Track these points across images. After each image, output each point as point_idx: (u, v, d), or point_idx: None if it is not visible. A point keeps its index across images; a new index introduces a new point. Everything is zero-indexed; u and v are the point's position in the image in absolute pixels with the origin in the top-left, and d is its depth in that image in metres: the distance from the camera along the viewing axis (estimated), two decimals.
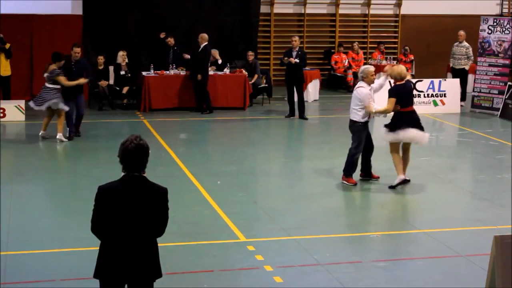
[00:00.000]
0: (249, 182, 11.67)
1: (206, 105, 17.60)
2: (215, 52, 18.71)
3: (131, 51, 18.73)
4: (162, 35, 18.61)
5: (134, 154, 5.14)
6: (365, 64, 21.89)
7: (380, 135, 11.38)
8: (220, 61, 18.62)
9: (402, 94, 10.92)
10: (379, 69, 21.04)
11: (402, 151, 11.12)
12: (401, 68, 11.12)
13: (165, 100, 17.75)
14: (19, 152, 13.39)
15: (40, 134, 14.18)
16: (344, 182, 11.22)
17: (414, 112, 11.04)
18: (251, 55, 19.18)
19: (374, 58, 21.60)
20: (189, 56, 18.02)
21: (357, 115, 10.99)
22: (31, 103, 14.33)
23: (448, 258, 8.19)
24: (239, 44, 20.35)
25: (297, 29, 21.80)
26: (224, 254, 8.26)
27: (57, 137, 13.86)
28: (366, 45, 22.61)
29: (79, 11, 19.34)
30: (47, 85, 13.91)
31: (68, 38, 18.01)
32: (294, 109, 17.19)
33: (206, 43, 17.49)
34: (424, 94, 17.91)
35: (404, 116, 10.88)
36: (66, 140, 13.91)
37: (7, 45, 17.24)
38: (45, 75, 14.01)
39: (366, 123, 11.07)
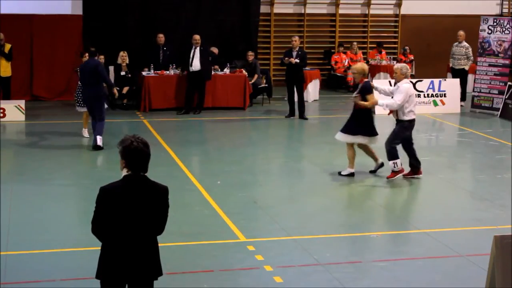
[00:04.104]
0: (249, 182, 11.67)
1: (199, 104, 17.59)
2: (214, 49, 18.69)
3: (131, 52, 18.71)
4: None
5: (143, 154, 5.14)
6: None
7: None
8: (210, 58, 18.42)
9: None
10: (378, 69, 21.09)
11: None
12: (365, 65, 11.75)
13: (165, 100, 17.74)
14: (19, 152, 13.39)
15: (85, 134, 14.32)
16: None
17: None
18: (251, 55, 19.17)
19: (373, 58, 21.58)
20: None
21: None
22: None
23: (448, 258, 8.19)
24: (239, 44, 20.34)
25: (297, 29, 21.80)
26: (224, 254, 8.26)
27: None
28: (366, 45, 22.61)
29: (79, 11, 19.32)
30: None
31: (68, 38, 18.01)
32: (294, 109, 17.18)
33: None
34: (424, 94, 17.90)
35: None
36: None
37: (7, 46, 17.18)
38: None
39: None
